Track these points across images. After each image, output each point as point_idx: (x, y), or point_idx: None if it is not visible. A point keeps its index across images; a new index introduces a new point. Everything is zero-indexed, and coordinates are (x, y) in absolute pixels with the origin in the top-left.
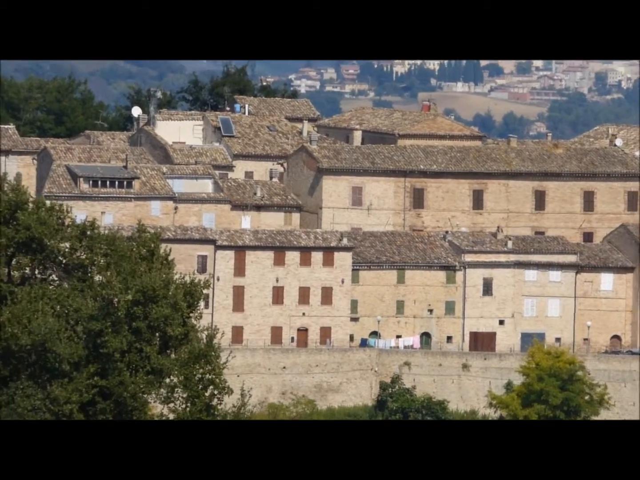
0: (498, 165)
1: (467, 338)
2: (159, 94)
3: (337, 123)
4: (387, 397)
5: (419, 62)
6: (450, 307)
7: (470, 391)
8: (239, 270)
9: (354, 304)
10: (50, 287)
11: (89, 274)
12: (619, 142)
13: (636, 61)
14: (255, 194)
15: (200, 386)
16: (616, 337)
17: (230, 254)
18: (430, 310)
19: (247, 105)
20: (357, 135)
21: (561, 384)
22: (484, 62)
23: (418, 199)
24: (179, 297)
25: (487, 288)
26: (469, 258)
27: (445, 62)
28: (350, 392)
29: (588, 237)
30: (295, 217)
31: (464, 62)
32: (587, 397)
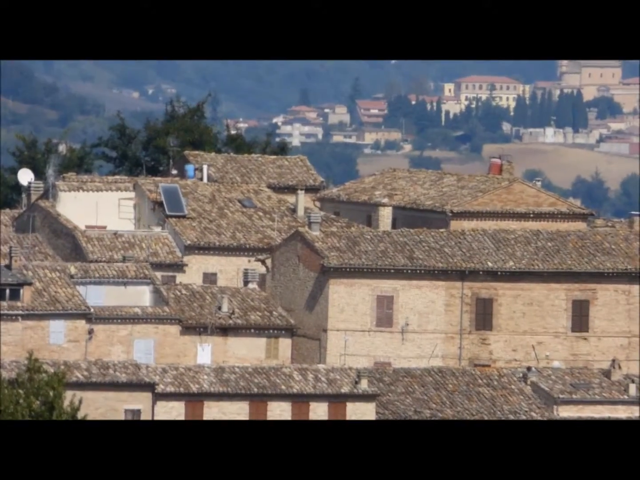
0: (614, 260)
1: None
2: (62, 148)
3: (353, 195)
4: None
5: (484, 96)
6: None
7: None
8: None
9: None
10: None
11: None
12: None
13: None
14: (219, 308)
15: None
16: None
17: (179, 407)
18: None
19: (205, 167)
20: (386, 215)
21: None
22: (588, 95)
23: (483, 316)
24: None
25: None
26: (565, 412)
27: (527, 94)
28: None
29: None
30: (285, 345)
31: (556, 95)
32: None
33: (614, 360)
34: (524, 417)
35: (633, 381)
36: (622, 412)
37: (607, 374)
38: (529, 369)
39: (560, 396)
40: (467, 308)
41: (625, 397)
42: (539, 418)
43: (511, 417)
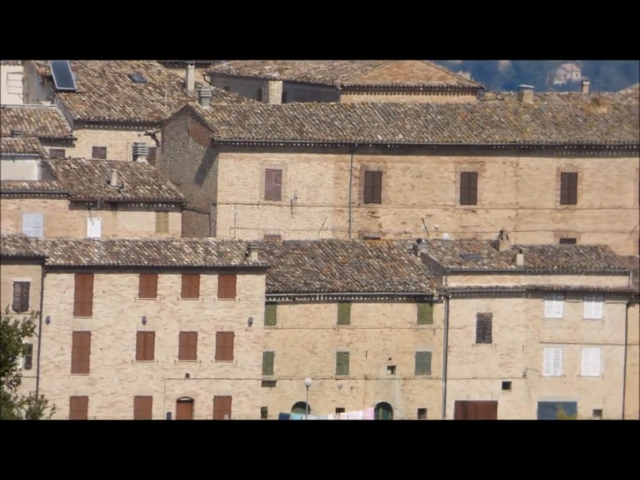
0: (503, 133)
1: (451, 411)
2: None
3: (243, 69)
4: None
5: None
6: (423, 363)
7: None
8: (83, 306)
9: (267, 359)
10: None
11: None
12: None
13: None
14: (109, 182)
15: None
16: None
17: (69, 279)
18: (391, 368)
19: None
20: (276, 89)
21: None
22: None
23: (373, 189)
24: None
25: (484, 331)
26: (454, 282)
27: None
28: None
29: None
30: (175, 218)
31: None
32: None
33: (502, 232)
34: (413, 288)
35: (521, 251)
36: (509, 282)
37: (495, 244)
38: (418, 240)
39: (450, 267)
40: (356, 181)
41: (513, 267)
42: (429, 289)
43: (400, 288)
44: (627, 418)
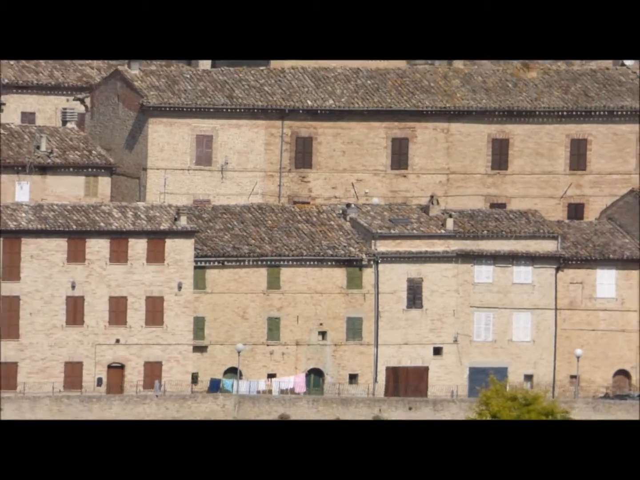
0: (433, 98)
1: (382, 377)
2: None
3: None
4: None
5: None
6: (354, 328)
7: None
8: (11, 270)
9: (198, 324)
10: None
11: None
12: (629, 61)
13: None
14: (38, 147)
15: None
16: (622, 373)
17: None
18: (323, 333)
19: None
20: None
21: None
22: None
23: (303, 154)
24: None
25: (415, 296)
26: (384, 247)
27: None
28: None
29: (577, 211)
30: (104, 183)
31: None
32: None
33: (432, 196)
34: (342, 253)
35: (450, 216)
36: (439, 247)
37: (425, 209)
38: (348, 205)
39: (379, 231)
40: (286, 147)
41: (443, 231)
42: (358, 253)
43: (330, 253)
44: (557, 383)
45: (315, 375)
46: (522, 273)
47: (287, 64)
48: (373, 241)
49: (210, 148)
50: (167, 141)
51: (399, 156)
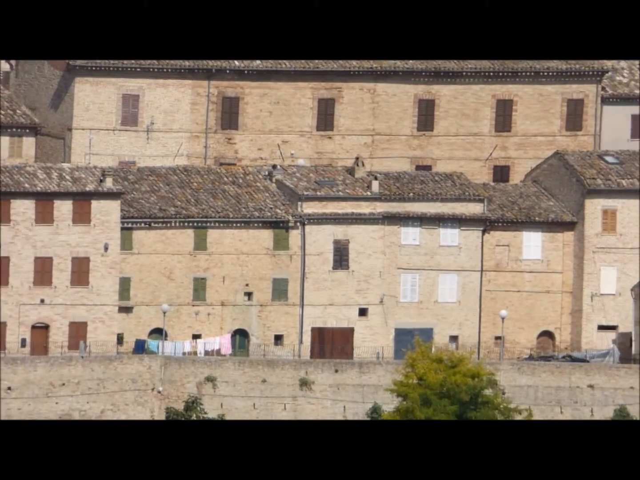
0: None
1: (307, 338)
2: None
3: None
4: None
5: None
6: (280, 289)
7: None
8: None
9: (124, 285)
10: None
11: None
12: None
13: None
14: None
15: None
16: (547, 335)
17: None
18: (249, 294)
19: None
20: None
21: (459, 410)
22: None
23: (230, 115)
24: None
25: (341, 257)
26: (310, 208)
27: None
28: None
29: (502, 173)
30: (29, 143)
31: None
32: None
33: (357, 158)
34: (268, 214)
35: (376, 178)
36: (365, 208)
37: (350, 171)
38: (274, 167)
39: (305, 193)
40: (213, 107)
41: (368, 193)
42: (284, 215)
43: (256, 214)
44: (482, 344)
45: (240, 336)
46: (449, 235)
47: None
48: (299, 203)
49: (136, 108)
50: (93, 101)
51: (325, 117)
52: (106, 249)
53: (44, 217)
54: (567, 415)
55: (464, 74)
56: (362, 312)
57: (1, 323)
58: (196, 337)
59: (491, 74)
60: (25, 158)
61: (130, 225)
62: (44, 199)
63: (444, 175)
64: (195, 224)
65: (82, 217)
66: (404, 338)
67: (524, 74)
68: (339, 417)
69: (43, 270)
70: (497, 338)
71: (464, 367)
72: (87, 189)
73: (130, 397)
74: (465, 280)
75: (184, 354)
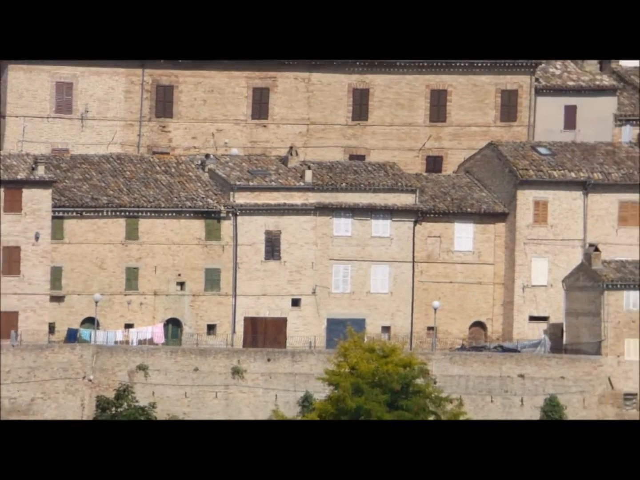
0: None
1: (240, 327)
2: None
3: None
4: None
5: None
6: (213, 279)
7: (245, 411)
8: None
9: (55, 274)
10: None
11: None
12: None
13: None
14: None
15: None
16: (479, 325)
17: None
18: (181, 284)
19: None
20: None
21: (391, 399)
22: None
23: (164, 103)
24: None
25: (273, 248)
26: (243, 199)
27: None
28: (50, 413)
29: (435, 164)
30: None
31: None
32: (431, 418)
33: (291, 147)
34: (200, 204)
35: (309, 167)
36: (298, 199)
37: (284, 160)
38: (207, 156)
39: (237, 183)
40: (147, 95)
41: (301, 183)
42: (216, 205)
43: (188, 204)
44: (415, 335)
45: (173, 326)
46: (381, 226)
47: None
48: (231, 193)
49: (70, 95)
50: (27, 88)
51: (260, 106)
52: (37, 238)
53: None
54: (498, 404)
55: (398, 63)
56: (295, 302)
57: None
58: (128, 326)
59: (425, 63)
60: None
61: (61, 214)
62: None
63: (377, 166)
64: (127, 214)
65: (13, 205)
66: (336, 328)
67: (458, 64)
68: (271, 406)
69: None
70: (430, 328)
71: (396, 357)
72: (19, 177)
73: (61, 386)
74: (397, 271)
75: (116, 343)
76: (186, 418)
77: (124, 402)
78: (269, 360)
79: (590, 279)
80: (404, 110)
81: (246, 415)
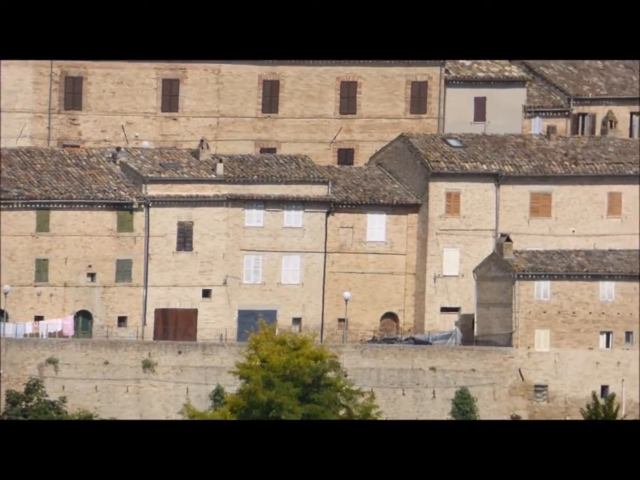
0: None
1: (151, 319)
2: None
3: None
4: (18, 415)
5: None
6: (124, 270)
7: (156, 405)
8: None
9: None
10: None
11: None
12: None
13: None
14: None
15: None
16: (390, 316)
17: None
18: (92, 275)
19: None
20: None
21: (302, 392)
22: None
23: (73, 95)
24: None
25: (184, 239)
26: (154, 191)
27: None
28: None
29: (346, 156)
30: None
31: None
32: (342, 412)
33: (202, 141)
34: (112, 196)
35: (220, 160)
36: (210, 191)
37: (195, 153)
38: (118, 149)
39: (149, 175)
40: (56, 87)
41: (213, 176)
42: (128, 197)
43: (100, 196)
44: (326, 326)
45: (84, 318)
46: (292, 217)
47: None
48: (143, 185)
49: None
50: None
51: (170, 98)
52: None
53: None
54: (409, 397)
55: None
56: (206, 293)
57: None
58: (38, 318)
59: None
60: None
61: None
62: None
63: (289, 158)
64: (37, 206)
65: None
66: (248, 320)
67: None
68: (182, 400)
69: None
70: (341, 320)
71: (307, 350)
72: None
73: None
74: (308, 262)
75: (25, 335)
76: (97, 413)
77: (34, 396)
78: (180, 353)
79: (501, 269)
80: (315, 102)
81: (157, 409)
